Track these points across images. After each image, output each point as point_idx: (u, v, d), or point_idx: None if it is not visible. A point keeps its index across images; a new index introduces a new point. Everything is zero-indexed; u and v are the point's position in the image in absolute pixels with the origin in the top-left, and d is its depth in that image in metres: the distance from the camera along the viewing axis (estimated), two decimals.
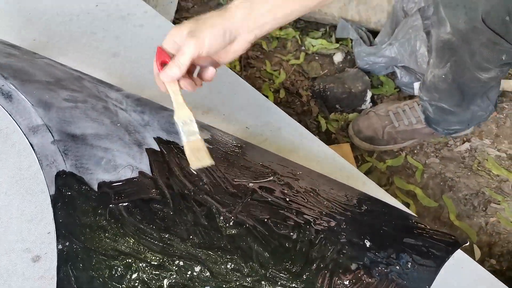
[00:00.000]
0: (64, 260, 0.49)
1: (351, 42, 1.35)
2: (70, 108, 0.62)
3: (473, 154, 1.12)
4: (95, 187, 0.55)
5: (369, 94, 1.22)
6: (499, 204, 1.02)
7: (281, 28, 1.42)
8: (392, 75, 1.30)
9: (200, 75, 0.63)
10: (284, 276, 0.51)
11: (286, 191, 0.61)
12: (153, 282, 0.49)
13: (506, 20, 0.71)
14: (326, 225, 0.58)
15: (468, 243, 0.64)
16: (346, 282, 0.52)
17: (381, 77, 1.30)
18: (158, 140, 0.64)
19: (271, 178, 0.63)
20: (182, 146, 0.58)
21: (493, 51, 0.78)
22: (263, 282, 0.50)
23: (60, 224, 0.51)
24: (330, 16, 1.39)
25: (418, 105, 1.08)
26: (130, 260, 0.49)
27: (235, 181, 0.61)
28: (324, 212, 0.59)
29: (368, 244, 0.56)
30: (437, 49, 0.87)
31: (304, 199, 0.61)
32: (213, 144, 0.67)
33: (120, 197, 0.54)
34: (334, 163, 0.81)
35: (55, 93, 0.64)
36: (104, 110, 0.65)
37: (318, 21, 1.43)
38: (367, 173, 1.08)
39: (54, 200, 0.53)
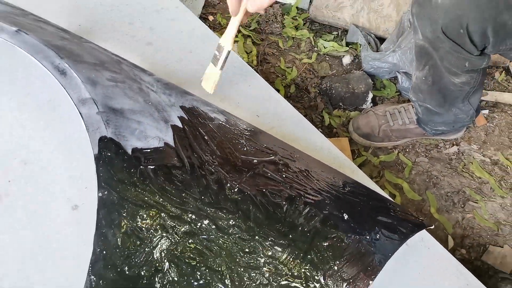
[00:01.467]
0: (102, 205, 0.60)
1: (360, 47, 1.44)
2: (112, 87, 0.74)
3: (460, 157, 1.21)
4: (129, 152, 0.66)
5: (370, 95, 1.31)
6: (476, 203, 1.11)
7: (296, 29, 1.52)
8: (395, 80, 1.39)
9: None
10: (274, 234, 0.62)
11: (283, 169, 0.72)
12: (171, 228, 0.60)
13: (461, 32, 0.80)
14: (313, 199, 0.68)
15: (433, 226, 0.74)
16: (324, 244, 0.63)
17: (384, 81, 1.39)
18: (181, 119, 0.75)
19: (272, 157, 0.74)
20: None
21: (458, 58, 0.86)
22: (256, 237, 0.61)
23: (101, 177, 0.63)
24: (343, 21, 1.48)
25: (413, 107, 1.17)
26: (153, 210, 0.61)
27: (242, 157, 0.71)
28: (313, 189, 0.70)
29: (346, 217, 0.67)
30: (416, 53, 0.96)
31: (298, 177, 0.72)
32: (227, 126, 0.78)
33: (149, 161, 0.66)
34: (329, 153, 0.91)
35: (99, 73, 0.76)
36: (138, 90, 0.77)
37: (332, 25, 1.52)
38: (361, 165, 1.18)
39: (97, 158, 0.64)
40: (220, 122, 0.79)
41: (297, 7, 1.57)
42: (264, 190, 0.67)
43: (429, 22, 0.83)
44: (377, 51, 1.38)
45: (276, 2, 1.61)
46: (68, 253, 0.69)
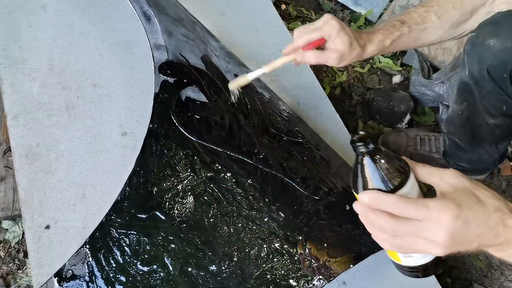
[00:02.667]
0: (150, 135, 0.70)
1: (413, 70, 1.47)
2: (183, 42, 0.83)
3: None
4: (183, 98, 0.76)
5: (407, 117, 1.35)
6: None
7: None
8: (436, 110, 1.41)
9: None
10: (281, 202, 0.70)
11: (306, 152, 0.79)
12: (199, 170, 0.70)
13: (505, 76, 0.83)
14: (324, 186, 0.76)
15: None
16: (322, 223, 0.70)
17: (426, 108, 1.42)
18: None
19: (300, 140, 0.82)
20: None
21: (497, 99, 0.90)
22: (266, 200, 0.70)
23: (155, 113, 0.73)
24: None
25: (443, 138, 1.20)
26: (189, 152, 0.70)
27: (274, 131, 0.79)
28: (326, 177, 0.77)
29: (347, 208, 0.74)
30: (458, 88, 0.99)
31: (317, 163, 0.79)
32: (269, 102, 0.86)
33: (196, 110, 0.75)
34: (352, 154, 0.97)
35: (176, 27, 0.85)
36: (204, 51, 0.86)
37: None
38: None
39: (156, 96, 0.74)
40: (264, 97, 0.87)
41: (365, 18, 1.61)
42: (284, 164, 0.75)
43: (477, 61, 0.87)
44: (428, 78, 1.41)
45: (347, 8, 1.66)
46: (110, 167, 0.80)
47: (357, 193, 0.50)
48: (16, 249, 0.96)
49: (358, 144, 0.48)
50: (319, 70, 1.46)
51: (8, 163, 1.00)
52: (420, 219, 0.45)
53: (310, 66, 1.13)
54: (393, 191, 0.48)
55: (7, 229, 0.96)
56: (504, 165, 1.31)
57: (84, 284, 0.59)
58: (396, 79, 1.49)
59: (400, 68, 1.50)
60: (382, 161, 0.48)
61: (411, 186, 0.49)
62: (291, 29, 1.54)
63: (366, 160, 0.49)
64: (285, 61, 0.73)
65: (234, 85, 0.74)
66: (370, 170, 0.48)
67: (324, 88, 1.39)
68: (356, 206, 0.49)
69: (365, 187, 0.49)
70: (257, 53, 1.07)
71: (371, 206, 0.47)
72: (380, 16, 1.60)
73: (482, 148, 1.07)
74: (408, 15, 0.82)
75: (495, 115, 0.94)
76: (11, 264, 0.93)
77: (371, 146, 0.48)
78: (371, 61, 1.53)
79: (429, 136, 1.23)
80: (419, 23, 0.81)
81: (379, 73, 1.51)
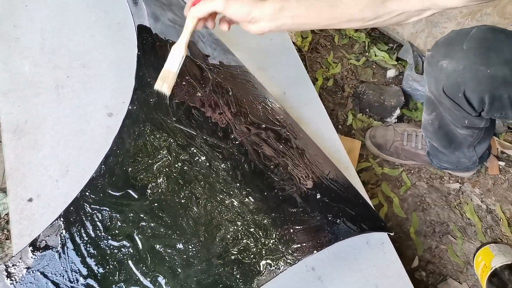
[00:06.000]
0: (129, 116, 0.73)
1: (407, 65, 1.47)
2: (170, 27, 0.85)
3: (458, 195, 1.25)
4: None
5: (397, 112, 1.35)
6: (455, 239, 1.15)
7: (356, 30, 1.56)
8: None
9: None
10: (252, 187, 0.72)
11: (283, 141, 0.81)
12: (174, 152, 0.72)
13: (460, 96, 0.84)
14: (297, 173, 0.78)
15: (393, 233, 0.81)
16: (290, 210, 0.72)
17: (418, 104, 1.42)
18: (216, 71, 0.85)
19: (279, 128, 0.83)
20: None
21: (457, 115, 0.92)
22: (237, 184, 0.72)
23: (135, 93, 0.75)
24: (401, 36, 1.50)
25: None
26: (166, 134, 0.73)
27: (253, 118, 0.81)
28: (300, 165, 0.79)
29: (318, 196, 0.76)
30: (425, 100, 1.01)
31: (293, 152, 0.81)
32: (252, 90, 0.88)
33: (177, 94, 0.77)
34: (333, 145, 0.98)
35: (164, 12, 0.87)
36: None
37: (390, 36, 1.55)
38: (364, 170, 1.24)
39: (137, 77, 0.76)
40: (248, 84, 0.88)
41: None
42: (259, 151, 0.77)
43: (434, 80, 0.89)
44: (421, 74, 1.41)
45: None
46: (93, 146, 0.82)
47: None
48: (5, 220, 0.99)
49: None
50: (313, 61, 1.47)
51: None
52: None
53: (302, 59, 1.14)
54: None
55: None
56: (492, 164, 1.31)
57: (56, 254, 0.62)
58: (391, 73, 1.49)
59: (395, 63, 1.51)
60: None
61: None
62: None
63: None
64: (187, 28, 0.69)
65: (166, 87, 0.71)
66: None
67: (316, 79, 1.40)
68: None
69: None
70: (248, 41, 1.07)
71: None
72: None
73: (459, 152, 1.08)
74: None
75: (460, 127, 0.96)
76: (0, 234, 0.97)
77: None
78: (366, 54, 1.53)
79: (417, 133, 1.24)
80: None
81: (374, 66, 1.51)
